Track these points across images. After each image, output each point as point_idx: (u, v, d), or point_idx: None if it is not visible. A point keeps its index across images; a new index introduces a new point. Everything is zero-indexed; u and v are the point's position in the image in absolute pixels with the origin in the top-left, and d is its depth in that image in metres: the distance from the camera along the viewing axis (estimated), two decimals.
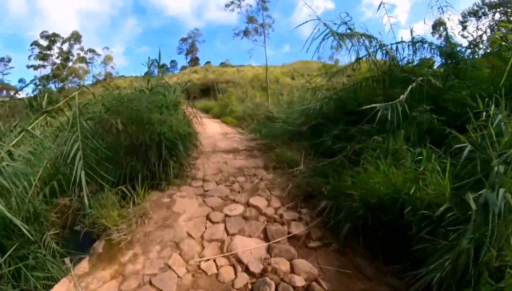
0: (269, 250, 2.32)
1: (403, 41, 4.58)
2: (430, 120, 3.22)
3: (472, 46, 4.65)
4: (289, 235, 2.52)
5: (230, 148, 5.59)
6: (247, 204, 3.01)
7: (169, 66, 47.63)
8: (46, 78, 39.34)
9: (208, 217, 2.76)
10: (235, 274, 2.04)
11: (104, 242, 2.55)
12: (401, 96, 3.31)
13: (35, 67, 39.62)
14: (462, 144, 2.28)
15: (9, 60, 39.28)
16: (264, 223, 2.69)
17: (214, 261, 2.19)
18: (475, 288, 1.61)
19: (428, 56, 4.37)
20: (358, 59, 4.54)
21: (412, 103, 3.35)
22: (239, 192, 3.29)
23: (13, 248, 2.47)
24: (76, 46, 41.41)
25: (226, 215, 2.77)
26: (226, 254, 2.24)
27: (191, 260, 2.20)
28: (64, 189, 3.37)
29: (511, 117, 2.20)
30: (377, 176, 2.56)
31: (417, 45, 4.41)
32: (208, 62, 40.21)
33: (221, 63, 36.64)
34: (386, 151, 3.00)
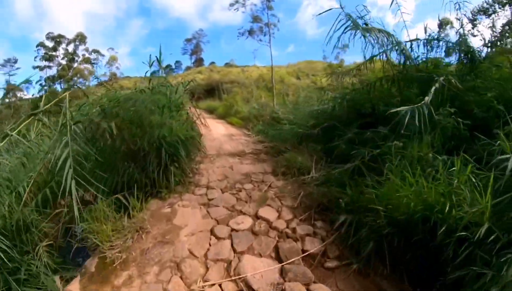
0: (282, 272, 2.02)
1: (418, 39, 4.29)
2: (454, 125, 2.92)
3: (490, 44, 4.32)
4: (304, 254, 2.22)
5: (236, 151, 5.30)
6: (256, 216, 2.71)
7: (173, 66, 47.62)
8: (51, 79, 39.57)
9: (212, 232, 2.46)
10: None
11: (97, 259, 2.27)
12: (426, 98, 3.02)
13: (41, 68, 39.78)
14: (507, 155, 1.95)
15: (15, 62, 39.52)
16: (275, 238, 2.39)
17: (220, 286, 1.90)
18: None
19: (442, 54, 4.13)
20: (372, 57, 4.24)
21: (433, 106, 3.06)
22: (246, 202, 3.00)
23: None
24: (81, 47, 41.56)
25: (232, 229, 2.48)
26: (233, 278, 1.95)
27: (193, 284, 1.92)
28: (58, 196, 3.13)
29: None
30: (405, 189, 2.26)
31: (432, 43, 4.13)
32: (212, 63, 40.06)
33: (226, 63, 36.40)
34: (410, 158, 2.70)
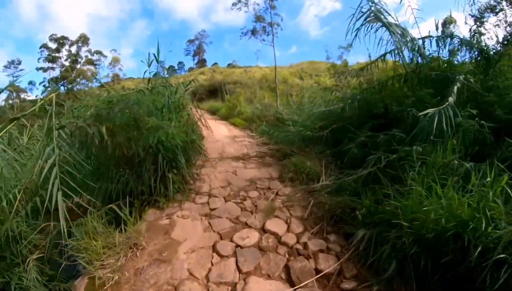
0: None
1: (430, 36, 4.04)
2: (477, 128, 2.66)
3: (506, 41, 4.07)
4: (318, 275, 1.95)
5: (240, 154, 5.05)
6: (263, 229, 2.45)
7: (176, 67, 47.55)
8: (55, 80, 39.71)
9: (215, 248, 2.20)
10: None
11: (86, 280, 2.03)
12: (450, 99, 2.76)
13: (44, 70, 40.02)
14: None
15: (19, 63, 39.86)
16: (285, 256, 2.13)
17: None
18: None
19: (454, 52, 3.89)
20: (385, 54, 3.98)
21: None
22: (251, 212, 2.74)
23: None
24: (84, 49, 41.68)
25: (237, 245, 2.22)
26: None
27: None
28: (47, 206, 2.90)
29: None
30: (432, 202, 1.99)
31: (445, 40, 3.88)
32: (215, 64, 39.93)
33: (229, 64, 36.21)
34: (433, 165, 2.44)
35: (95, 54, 41.77)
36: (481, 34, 5.32)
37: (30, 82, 39.94)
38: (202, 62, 49.85)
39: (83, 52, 41.65)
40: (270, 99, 12.93)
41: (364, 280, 1.96)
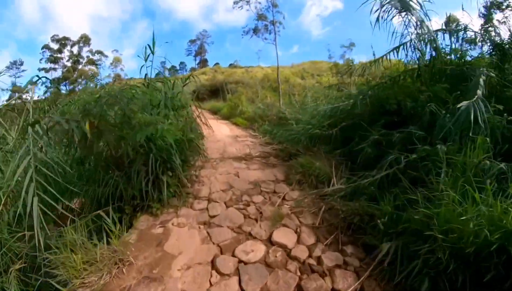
0: None
1: (444, 29, 3.77)
2: (504, 125, 2.38)
3: None
4: None
5: (242, 154, 4.73)
6: (269, 241, 2.13)
7: (178, 68, 47.38)
8: (57, 81, 39.64)
9: (214, 264, 1.88)
10: None
11: None
12: (478, 92, 2.48)
13: (46, 70, 39.99)
14: None
15: (21, 64, 39.86)
16: (296, 273, 1.81)
17: None
18: None
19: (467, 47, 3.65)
20: (399, 46, 3.69)
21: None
22: (256, 220, 2.41)
23: None
24: (86, 49, 41.64)
25: (240, 261, 1.90)
26: None
27: None
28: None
29: None
30: (469, 210, 1.70)
31: (459, 34, 3.63)
32: (217, 64, 39.66)
33: (230, 64, 35.91)
34: (462, 166, 2.15)
35: (96, 54, 41.70)
36: (495, 27, 5.04)
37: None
38: (203, 62, 49.64)
39: (85, 53, 41.63)
40: (272, 99, 12.63)
41: None
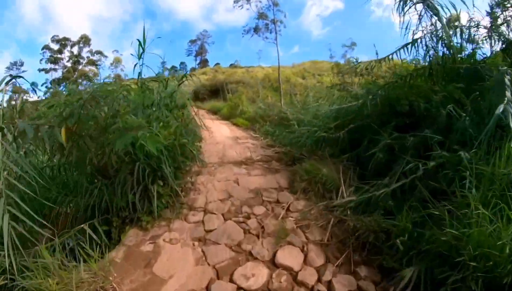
0: None
1: (455, 26, 3.52)
2: None
3: None
4: None
5: (242, 158, 4.47)
6: (273, 262, 1.86)
7: (178, 68, 47.18)
8: (57, 81, 39.49)
9: None
10: None
11: None
12: (507, 94, 2.22)
13: (46, 71, 39.87)
14: None
15: (22, 64, 39.71)
16: None
17: None
18: None
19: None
20: (415, 41, 3.44)
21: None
22: (257, 236, 2.15)
23: None
24: (86, 50, 41.49)
25: (239, 288, 1.64)
26: None
27: None
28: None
29: None
30: (503, 232, 1.45)
31: (471, 30, 3.40)
32: (217, 64, 39.43)
33: (231, 64, 35.65)
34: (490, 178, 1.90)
35: (95, 54, 41.55)
36: (508, 24, 4.80)
37: (33, 84, 39.75)
38: (204, 63, 49.41)
39: (85, 53, 41.51)
40: (273, 98, 12.37)
41: None
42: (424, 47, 3.44)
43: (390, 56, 3.77)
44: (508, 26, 3.29)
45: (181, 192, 2.61)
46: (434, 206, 1.96)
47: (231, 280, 1.70)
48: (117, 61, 42.69)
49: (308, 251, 1.98)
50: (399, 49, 3.60)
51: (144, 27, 2.79)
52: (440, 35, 3.33)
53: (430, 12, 3.15)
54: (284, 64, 24.55)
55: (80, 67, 41.05)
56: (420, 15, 3.29)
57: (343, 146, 3.67)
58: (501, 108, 1.80)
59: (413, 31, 3.44)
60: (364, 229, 2.05)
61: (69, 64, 40.87)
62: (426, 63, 3.48)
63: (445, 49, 3.35)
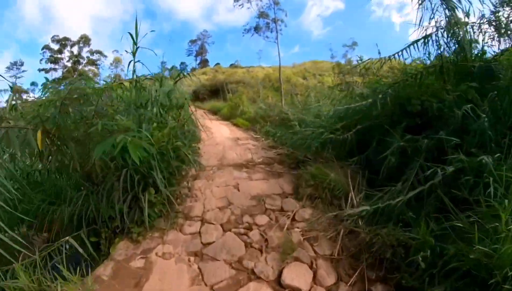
0: None
1: (466, 23, 3.30)
2: None
3: None
4: None
5: (243, 161, 4.25)
6: (278, 282, 1.64)
7: (178, 68, 46.99)
8: (57, 81, 39.36)
9: None
10: None
11: None
12: None
13: (47, 71, 39.73)
14: None
15: (22, 64, 39.56)
16: None
17: None
18: None
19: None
20: (427, 36, 3.22)
21: None
22: (261, 251, 1.92)
23: None
24: (86, 49, 41.35)
25: None
26: None
27: None
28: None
29: None
30: None
31: (482, 28, 3.20)
32: (217, 64, 39.22)
33: (231, 64, 35.45)
34: None
35: (95, 54, 41.42)
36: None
37: (33, 83, 39.59)
38: (204, 63, 49.23)
39: (85, 53, 41.40)
40: (274, 98, 12.17)
41: None
42: (436, 44, 3.23)
43: (400, 53, 3.56)
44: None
45: (176, 200, 2.39)
46: (456, 216, 1.75)
47: None
48: (117, 61, 42.52)
49: (317, 268, 1.76)
50: (409, 46, 3.38)
51: (136, 21, 2.56)
52: (452, 32, 3.11)
53: (445, 5, 2.94)
54: (285, 64, 24.38)
55: (80, 67, 40.90)
56: (433, 9, 3.09)
57: (350, 148, 3.46)
58: None
59: (425, 27, 3.24)
60: (381, 243, 1.83)
61: (69, 64, 40.73)
62: (437, 61, 3.28)
63: (456, 46, 3.14)
